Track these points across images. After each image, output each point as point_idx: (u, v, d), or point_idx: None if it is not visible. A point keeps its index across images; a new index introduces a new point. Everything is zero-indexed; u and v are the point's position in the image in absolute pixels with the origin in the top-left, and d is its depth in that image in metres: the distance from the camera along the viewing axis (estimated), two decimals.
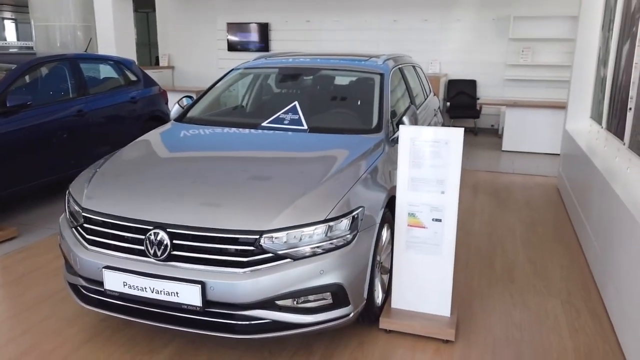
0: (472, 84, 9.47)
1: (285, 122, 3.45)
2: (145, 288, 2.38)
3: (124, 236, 2.51)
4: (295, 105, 3.52)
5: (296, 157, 3.11)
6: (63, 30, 8.79)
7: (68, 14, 8.74)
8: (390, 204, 2.89)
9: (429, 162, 2.73)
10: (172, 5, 11.29)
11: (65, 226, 2.81)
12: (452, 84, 9.51)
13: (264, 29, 10.60)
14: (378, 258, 2.79)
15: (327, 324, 2.47)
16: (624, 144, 3.49)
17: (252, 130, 3.47)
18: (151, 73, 7.03)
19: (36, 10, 8.86)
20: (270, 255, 2.35)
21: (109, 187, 2.81)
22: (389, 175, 3.03)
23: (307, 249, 2.38)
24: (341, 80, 4.25)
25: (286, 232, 2.37)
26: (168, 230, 2.41)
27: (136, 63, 6.71)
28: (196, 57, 11.25)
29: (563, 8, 8.61)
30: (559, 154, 6.45)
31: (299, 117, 3.44)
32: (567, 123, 5.86)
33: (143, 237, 2.44)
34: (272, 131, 3.42)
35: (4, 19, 20.59)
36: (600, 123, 4.60)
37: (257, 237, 2.35)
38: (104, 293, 2.50)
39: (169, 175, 2.88)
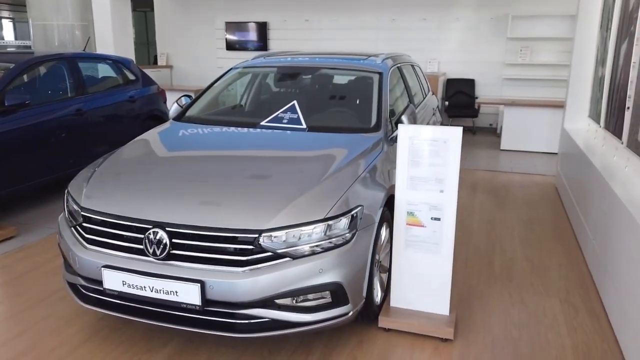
0: (470, 83, 9.48)
1: (284, 121, 3.45)
2: (144, 287, 2.38)
3: (123, 235, 2.51)
4: (294, 104, 3.52)
5: (295, 156, 3.11)
6: (61, 29, 8.78)
7: (66, 13, 8.73)
8: (389, 203, 2.89)
9: (427, 161, 2.73)
10: (171, 4, 11.28)
11: (64, 225, 2.80)
12: (451, 83, 9.52)
13: (262, 28, 10.59)
14: (377, 257, 2.80)
15: (326, 322, 2.47)
16: (622, 143, 3.50)
17: (251, 130, 3.47)
18: (149, 72, 7.03)
19: (34, 9, 8.85)
20: (269, 254, 2.36)
21: (108, 186, 2.81)
22: (387, 174, 3.03)
23: (306, 248, 2.39)
24: (340, 79, 4.26)
25: (285, 231, 2.38)
26: (167, 229, 2.41)
27: (134, 62, 6.70)
28: (194, 56, 11.23)
29: (561, 7, 8.62)
30: (557, 153, 6.46)
31: (298, 116, 3.45)
32: (565, 122, 5.87)
33: (142, 236, 2.44)
34: (271, 130, 3.42)
35: (1, 18, 20.54)
36: (598, 122, 4.60)
37: (256, 236, 2.35)
38: (103, 292, 2.50)
39: (168, 174, 2.88)
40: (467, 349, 2.74)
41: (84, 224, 2.64)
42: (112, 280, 2.44)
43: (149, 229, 2.43)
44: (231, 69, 4.30)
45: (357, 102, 3.90)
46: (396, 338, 2.82)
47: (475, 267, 3.76)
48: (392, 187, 2.89)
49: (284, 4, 10.37)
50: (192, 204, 2.53)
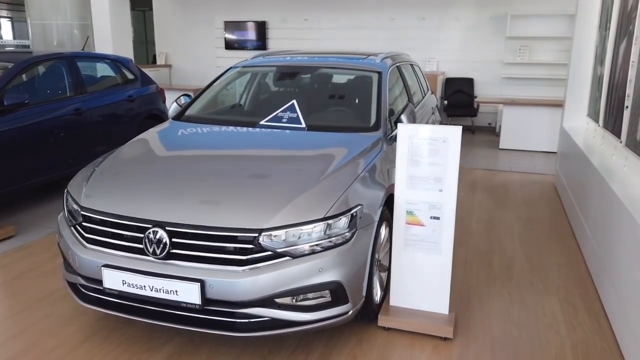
0: (469, 82, 9.49)
1: (284, 120, 3.45)
2: (144, 286, 2.38)
3: (123, 234, 2.51)
4: (293, 103, 3.52)
5: (295, 156, 3.11)
6: (60, 28, 8.76)
7: (65, 13, 8.72)
8: (388, 202, 2.89)
9: (427, 160, 2.73)
10: (170, 3, 11.27)
11: (63, 225, 2.80)
12: (450, 82, 9.53)
13: (261, 27, 10.59)
14: (376, 256, 2.80)
15: (326, 321, 2.47)
16: (621, 142, 3.51)
17: (251, 129, 3.47)
18: (148, 71, 7.02)
19: (32, 9, 8.83)
20: (269, 253, 2.36)
21: (107, 185, 2.81)
22: (387, 173, 3.04)
23: (306, 247, 2.39)
24: (339, 78, 4.26)
25: (285, 230, 2.38)
26: (167, 228, 2.41)
27: (133, 61, 6.70)
28: (193, 55, 11.23)
29: (560, 6, 8.62)
30: (556, 152, 6.47)
31: (297, 115, 3.45)
32: (564, 121, 5.88)
33: (142, 235, 2.44)
34: (270, 129, 3.42)
35: (0, 17, 20.50)
36: (597, 121, 4.61)
37: (256, 235, 2.35)
38: (103, 291, 2.50)
39: (168, 173, 2.88)
40: (466, 348, 2.75)
41: (84, 223, 2.64)
42: (112, 280, 2.44)
43: (149, 228, 2.43)
44: (230, 68, 4.30)
45: (357, 101, 3.90)
46: (396, 337, 2.82)
47: (475, 266, 3.76)
48: (392, 186, 2.89)
49: (283, 4, 10.36)
50: (192, 204, 2.53)
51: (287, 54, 4.55)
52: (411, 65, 5.06)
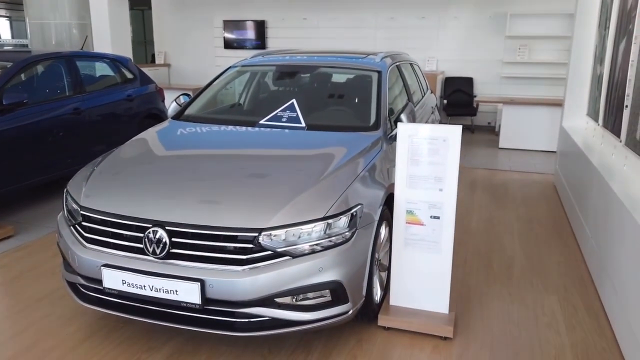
0: (469, 81, 9.49)
1: (283, 119, 3.45)
2: (144, 286, 2.38)
3: (122, 234, 2.51)
4: (293, 103, 3.51)
5: (294, 155, 3.11)
6: (58, 28, 8.75)
7: (63, 12, 8.71)
8: (388, 202, 2.89)
9: (427, 159, 2.73)
10: (168, 2, 11.25)
11: (63, 224, 2.80)
12: (449, 82, 9.53)
13: (260, 26, 10.58)
14: (376, 255, 2.80)
15: (326, 321, 2.47)
16: (620, 141, 3.51)
17: (250, 128, 3.47)
18: (147, 71, 7.02)
19: (31, 8, 8.82)
20: (269, 252, 2.36)
21: (107, 185, 2.81)
22: (387, 172, 3.03)
23: (305, 247, 2.39)
24: (339, 77, 4.25)
25: (285, 229, 2.37)
26: (167, 228, 2.41)
27: (132, 61, 6.69)
28: (192, 54, 11.22)
29: (559, 5, 8.62)
30: (555, 151, 6.47)
31: (297, 114, 3.44)
32: (563, 120, 5.88)
33: (142, 235, 2.44)
34: (270, 129, 3.42)
35: None
36: (596, 120, 4.61)
37: (256, 234, 2.35)
38: (103, 291, 2.50)
39: (168, 173, 2.87)
40: (466, 348, 2.75)
41: (84, 223, 2.63)
42: (112, 279, 2.44)
43: (149, 227, 2.43)
44: (230, 67, 4.30)
45: (356, 100, 3.90)
46: (396, 336, 2.82)
47: (475, 265, 3.76)
48: (392, 185, 2.89)
49: (282, 3, 10.36)
50: (191, 203, 2.53)
51: (286, 53, 4.54)
52: (411, 64, 5.06)
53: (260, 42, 10.59)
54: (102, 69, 6.07)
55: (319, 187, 2.60)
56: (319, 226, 2.41)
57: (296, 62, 4.23)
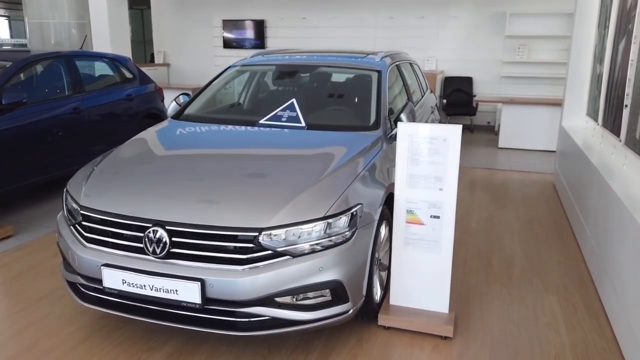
0: (468, 81, 9.49)
1: (283, 119, 3.44)
2: (144, 286, 2.38)
3: (122, 234, 2.50)
4: (292, 102, 3.51)
5: (294, 155, 3.11)
6: (57, 27, 8.75)
7: (62, 11, 8.70)
8: (388, 201, 2.89)
9: (427, 159, 2.73)
10: (167, 2, 11.24)
11: (63, 224, 2.80)
12: (449, 81, 9.53)
13: (259, 26, 10.58)
14: (377, 255, 2.80)
15: (326, 320, 2.47)
16: (620, 141, 3.51)
17: (250, 128, 3.47)
18: (146, 70, 7.01)
19: (30, 8, 8.81)
20: (269, 252, 2.36)
21: (107, 184, 2.81)
22: (387, 172, 3.03)
23: (306, 246, 2.39)
24: (338, 77, 4.25)
25: (285, 229, 2.37)
26: (167, 227, 2.41)
27: (131, 60, 6.69)
28: (192, 54, 11.21)
29: (559, 5, 8.63)
30: (555, 151, 6.47)
31: (297, 114, 3.44)
32: (563, 120, 5.88)
33: (142, 234, 2.44)
34: (269, 128, 3.42)
35: None
36: (596, 120, 4.61)
37: (256, 234, 2.35)
38: (103, 291, 2.50)
39: (167, 172, 2.87)
40: (466, 347, 2.75)
41: (83, 223, 2.63)
42: (112, 279, 2.43)
43: (149, 227, 2.43)
44: (229, 67, 4.29)
45: (356, 100, 3.90)
46: (396, 336, 2.82)
47: (475, 265, 3.76)
48: (392, 185, 2.89)
49: (282, 2, 10.36)
50: (191, 203, 2.53)
51: (286, 52, 4.54)
52: (410, 64, 5.06)
53: (260, 41, 10.59)
54: (101, 68, 6.06)
55: (319, 187, 2.60)
56: (319, 226, 2.41)
57: (296, 61, 4.23)
